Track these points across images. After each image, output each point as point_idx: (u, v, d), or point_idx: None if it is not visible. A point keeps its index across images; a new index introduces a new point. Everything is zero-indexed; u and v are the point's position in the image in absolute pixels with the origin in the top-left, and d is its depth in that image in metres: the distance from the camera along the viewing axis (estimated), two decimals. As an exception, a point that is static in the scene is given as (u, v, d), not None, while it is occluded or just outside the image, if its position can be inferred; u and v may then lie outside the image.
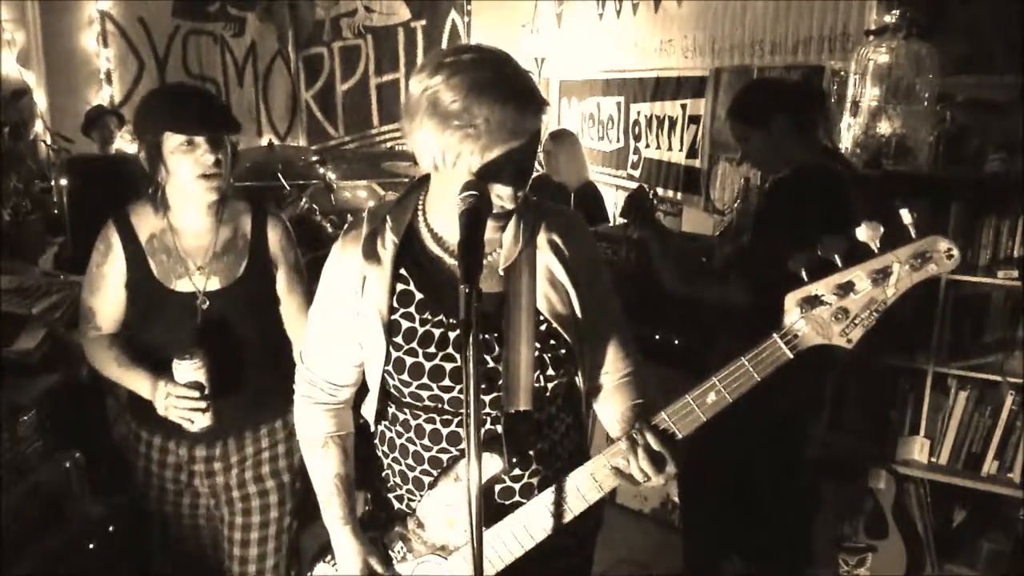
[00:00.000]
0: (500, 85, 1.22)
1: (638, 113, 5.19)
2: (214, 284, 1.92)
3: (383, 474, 1.51)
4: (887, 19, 2.97)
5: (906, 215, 1.16)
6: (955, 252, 1.15)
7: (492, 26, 6.52)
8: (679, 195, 4.70)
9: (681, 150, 4.68)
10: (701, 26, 4.47)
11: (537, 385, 1.36)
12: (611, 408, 1.48)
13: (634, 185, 5.25)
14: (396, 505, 1.50)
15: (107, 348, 1.96)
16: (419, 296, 1.38)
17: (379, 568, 1.46)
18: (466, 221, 1.19)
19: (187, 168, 1.84)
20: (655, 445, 1.27)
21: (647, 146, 5.11)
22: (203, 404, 1.81)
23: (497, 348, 1.35)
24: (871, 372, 2.91)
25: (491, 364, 1.35)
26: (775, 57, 3.83)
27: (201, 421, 1.83)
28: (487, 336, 1.35)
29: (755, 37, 3.99)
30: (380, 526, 1.51)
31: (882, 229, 1.16)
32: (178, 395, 1.80)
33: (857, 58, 3.06)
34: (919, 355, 2.89)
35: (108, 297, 1.96)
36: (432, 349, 1.36)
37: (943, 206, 2.75)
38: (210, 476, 2.01)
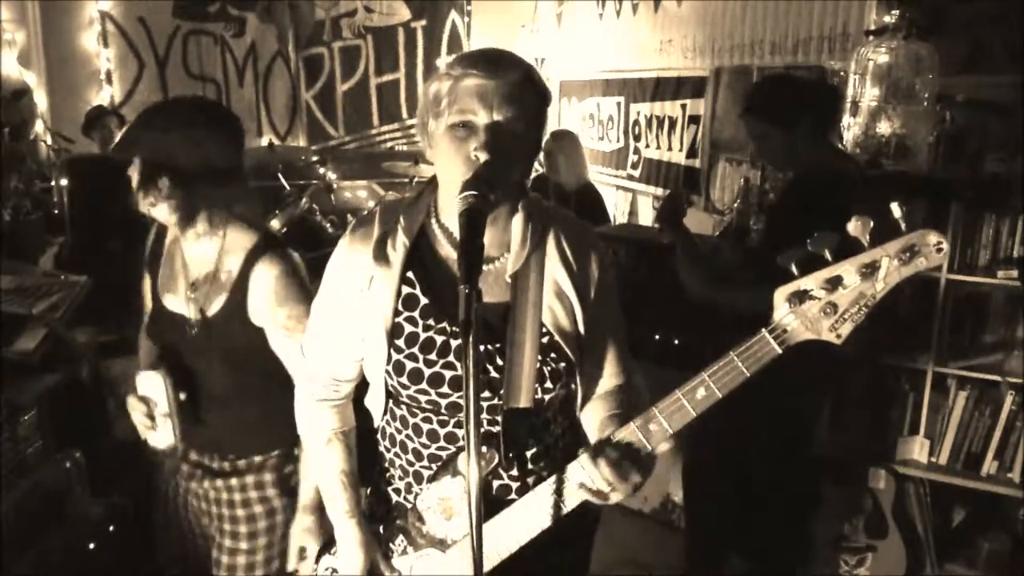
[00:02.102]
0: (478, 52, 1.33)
1: (638, 113, 5.19)
2: (193, 312, 1.82)
3: (385, 466, 1.52)
4: (887, 19, 2.97)
5: (896, 209, 1.14)
6: (944, 245, 1.13)
7: (492, 26, 6.52)
8: (679, 195, 4.69)
9: (681, 150, 4.68)
10: (701, 26, 4.47)
11: (535, 397, 1.35)
12: (591, 416, 1.47)
13: (633, 185, 5.27)
14: (394, 498, 1.51)
15: (143, 333, 2.00)
16: (424, 301, 1.37)
17: (380, 561, 1.48)
18: (466, 220, 1.17)
19: None
20: (613, 456, 1.26)
21: (647, 146, 5.11)
22: (148, 421, 1.79)
23: (499, 359, 1.35)
24: (871, 372, 2.91)
25: (493, 374, 1.35)
26: (775, 57, 3.83)
27: (154, 439, 1.80)
28: (489, 347, 1.35)
29: (755, 37, 3.99)
30: (380, 519, 1.52)
31: (872, 223, 1.14)
32: (131, 406, 1.80)
33: (857, 58, 3.05)
34: (919, 355, 2.89)
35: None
36: (433, 356, 1.35)
37: (943, 206, 2.75)
38: (196, 481, 1.90)
